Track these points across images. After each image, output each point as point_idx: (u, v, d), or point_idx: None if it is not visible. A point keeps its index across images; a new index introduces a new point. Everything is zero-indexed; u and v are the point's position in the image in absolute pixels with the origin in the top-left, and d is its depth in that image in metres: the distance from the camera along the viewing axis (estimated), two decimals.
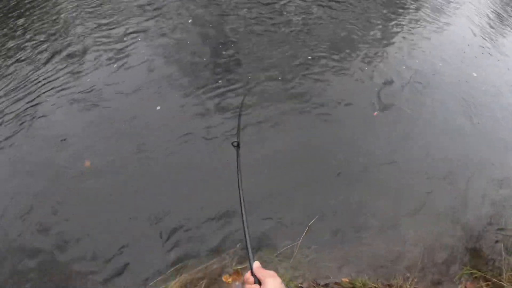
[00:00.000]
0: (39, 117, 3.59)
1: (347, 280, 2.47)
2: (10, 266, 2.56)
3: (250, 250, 0.98)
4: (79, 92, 3.81)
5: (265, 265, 0.93)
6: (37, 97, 3.82)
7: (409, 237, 2.72)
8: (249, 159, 3.27)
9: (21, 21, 5.08)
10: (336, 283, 2.47)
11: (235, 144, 1.44)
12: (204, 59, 4.22)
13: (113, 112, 3.57)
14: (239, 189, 1.18)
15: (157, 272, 2.46)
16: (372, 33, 4.99)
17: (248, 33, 4.63)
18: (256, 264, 0.93)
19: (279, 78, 4.06)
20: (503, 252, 2.36)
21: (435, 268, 2.45)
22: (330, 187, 3.13)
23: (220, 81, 3.94)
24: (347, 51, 4.54)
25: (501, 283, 2.07)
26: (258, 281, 0.89)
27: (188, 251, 2.56)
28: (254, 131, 3.52)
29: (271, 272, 0.91)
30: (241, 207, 1.10)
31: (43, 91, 3.88)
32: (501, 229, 2.65)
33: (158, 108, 3.62)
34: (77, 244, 2.64)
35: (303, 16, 5.08)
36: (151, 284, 2.41)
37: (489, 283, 2.12)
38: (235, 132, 3.33)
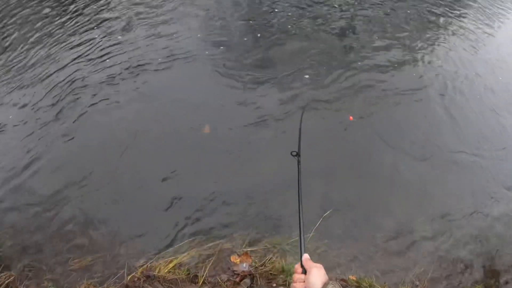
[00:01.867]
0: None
1: (354, 278, 2.46)
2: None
3: (303, 243, 1.10)
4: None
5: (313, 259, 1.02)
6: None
7: (424, 244, 2.66)
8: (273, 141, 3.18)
9: None
10: (342, 279, 2.47)
11: (294, 153, 1.52)
12: None
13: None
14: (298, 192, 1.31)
15: (170, 243, 2.50)
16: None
17: None
18: (305, 256, 1.05)
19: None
20: None
21: (446, 281, 2.41)
22: (349, 180, 3.03)
23: None
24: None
25: None
26: (305, 272, 1.01)
27: (201, 229, 2.58)
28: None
29: (318, 264, 1.00)
30: (298, 204, 1.25)
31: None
32: None
33: None
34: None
35: None
36: (161, 254, 2.46)
37: None
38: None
